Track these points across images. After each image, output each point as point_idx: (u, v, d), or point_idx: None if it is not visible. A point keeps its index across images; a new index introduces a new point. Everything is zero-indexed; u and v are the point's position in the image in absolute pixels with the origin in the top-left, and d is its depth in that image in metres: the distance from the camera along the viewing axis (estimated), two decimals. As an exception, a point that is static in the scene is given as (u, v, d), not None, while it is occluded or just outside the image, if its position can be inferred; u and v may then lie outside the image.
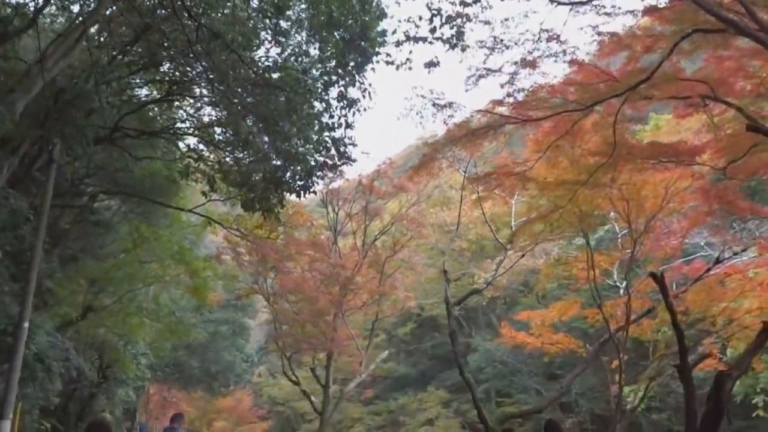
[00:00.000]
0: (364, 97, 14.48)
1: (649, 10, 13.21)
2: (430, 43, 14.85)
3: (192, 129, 17.83)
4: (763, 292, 16.03)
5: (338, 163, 14.61)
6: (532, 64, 13.98)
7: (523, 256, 21.68)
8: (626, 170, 14.77)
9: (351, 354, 31.42)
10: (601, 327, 18.84)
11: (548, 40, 13.60)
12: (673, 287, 18.36)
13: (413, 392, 42.71)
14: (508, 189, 15.33)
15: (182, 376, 38.96)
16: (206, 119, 17.25)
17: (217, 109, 16.35)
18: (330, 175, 15.46)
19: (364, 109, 14.59)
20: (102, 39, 14.66)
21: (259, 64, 14.40)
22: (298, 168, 14.86)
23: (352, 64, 14.68)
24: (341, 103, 14.99)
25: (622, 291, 19.02)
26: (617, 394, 16.95)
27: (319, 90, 14.97)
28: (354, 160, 14.75)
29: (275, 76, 14.29)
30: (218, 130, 16.70)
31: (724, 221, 16.75)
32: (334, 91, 15.19)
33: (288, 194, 15.12)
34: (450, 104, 13.89)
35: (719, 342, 17.68)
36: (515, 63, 14.08)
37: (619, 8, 13.05)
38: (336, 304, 27.02)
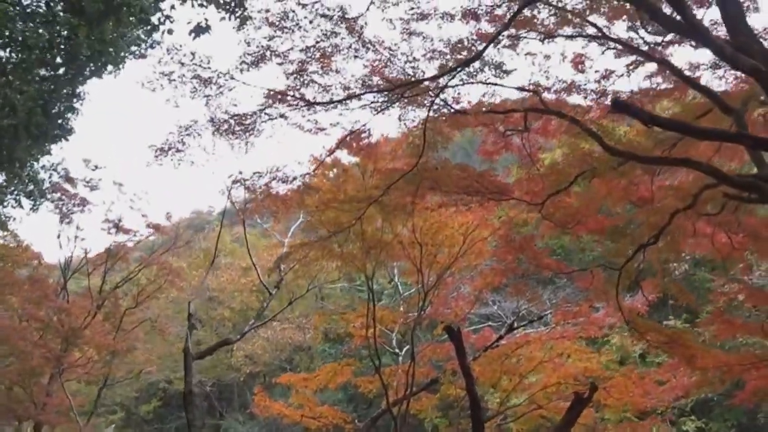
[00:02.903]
0: (101, 53, 10.58)
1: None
2: (202, 5, 11.53)
3: None
4: (561, 366, 13.93)
5: (52, 133, 10.44)
6: (325, 57, 10.98)
7: (290, 303, 18.12)
8: (428, 199, 12.14)
9: (71, 429, 25.60)
10: (376, 398, 15.87)
11: (349, 30, 10.73)
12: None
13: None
14: (282, 205, 11.98)
15: None
16: None
17: None
18: (33, 153, 11.14)
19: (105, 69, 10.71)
20: None
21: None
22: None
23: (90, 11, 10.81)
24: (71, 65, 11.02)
25: (401, 359, 16.16)
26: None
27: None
28: (70, 131, 10.67)
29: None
30: None
31: (522, 281, 14.58)
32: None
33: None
34: (219, 76, 10.37)
35: (509, 423, 15.24)
36: (306, 49, 11.03)
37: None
38: (54, 360, 21.50)
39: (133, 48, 11.66)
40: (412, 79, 9.55)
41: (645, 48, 11.30)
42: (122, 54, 11.58)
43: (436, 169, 10.57)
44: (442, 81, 9.60)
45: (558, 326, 15.06)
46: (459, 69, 9.44)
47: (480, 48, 10.14)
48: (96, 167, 22.29)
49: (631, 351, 21.38)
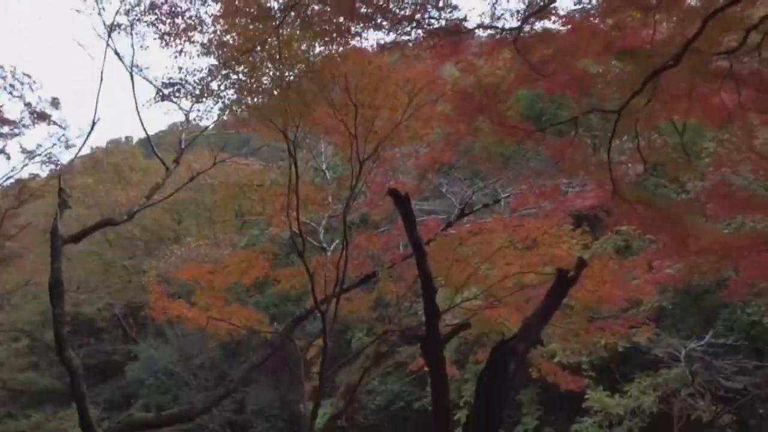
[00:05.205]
0: None
1: None
2: None
3: None
4: (523, 254, 11.57)
5: None
6: None
7: (193, 179, 14.93)
8: (366, 38, 9.30)
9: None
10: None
11: None
12: (399, 248, 13.32)
13: (54, 409, 34.02)
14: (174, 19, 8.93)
15: None
16: None
17: None
18: None
19: None
20: None
21: None
22: None
23: None
24: None
25: (329, 253, 13.51)
26: (314, 393, 11.21)
27: None
28: None
29: None
30: None
31: (480, 155, 12.00)
32: None
33: None
34: None
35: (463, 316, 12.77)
36: None
37: None
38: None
39: None
40: None
41: None
42: None
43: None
44: None
45: (517, 213, 12.65)
46: None
47: None
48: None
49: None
